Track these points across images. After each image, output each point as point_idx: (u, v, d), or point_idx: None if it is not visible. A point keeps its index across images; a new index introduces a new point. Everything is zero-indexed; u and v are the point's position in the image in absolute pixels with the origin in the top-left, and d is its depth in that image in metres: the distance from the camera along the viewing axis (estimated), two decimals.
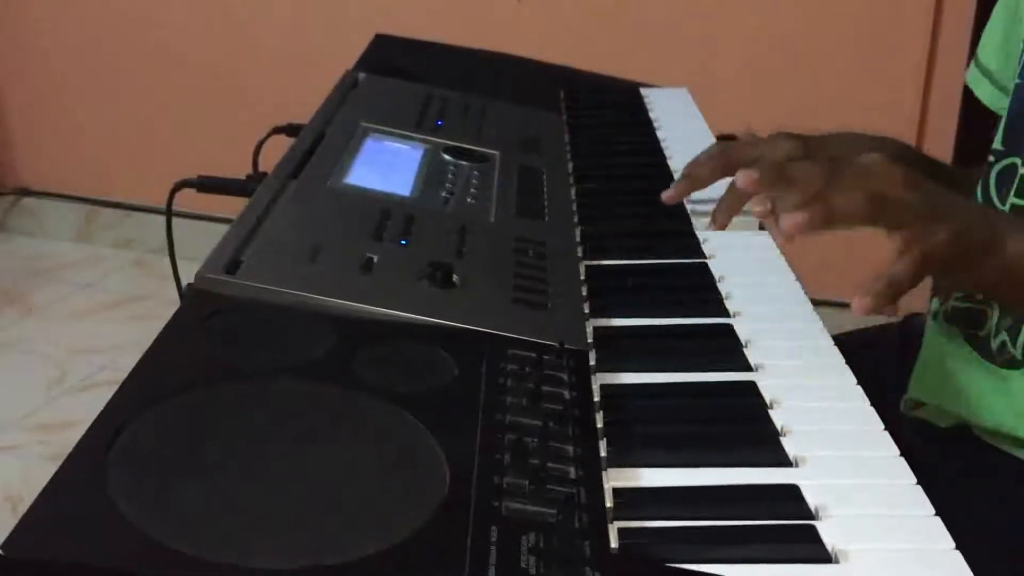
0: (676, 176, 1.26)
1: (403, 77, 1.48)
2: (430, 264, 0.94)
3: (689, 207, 1.18)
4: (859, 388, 0.84)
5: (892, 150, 1.23)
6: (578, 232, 1.11)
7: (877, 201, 0.84)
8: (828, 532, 0.68)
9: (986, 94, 1.17)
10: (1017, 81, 1.09)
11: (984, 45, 1.18)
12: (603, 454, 0.75)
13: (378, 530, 0.63)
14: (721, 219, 1.10)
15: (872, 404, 0.82)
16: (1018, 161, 1.06)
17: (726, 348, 0.89)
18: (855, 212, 0.84)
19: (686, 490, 0.72)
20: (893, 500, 0.72)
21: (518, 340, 0.86)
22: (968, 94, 2.43)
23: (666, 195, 1.14)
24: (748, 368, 0.87)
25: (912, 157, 1.25)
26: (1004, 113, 1.09)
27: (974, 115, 2.34)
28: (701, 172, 1.13)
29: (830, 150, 1.20)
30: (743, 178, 0.88)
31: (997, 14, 1.17)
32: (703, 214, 1.15)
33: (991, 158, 1.09)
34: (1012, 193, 1.04)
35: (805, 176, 0.87)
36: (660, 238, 1.12)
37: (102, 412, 0.70)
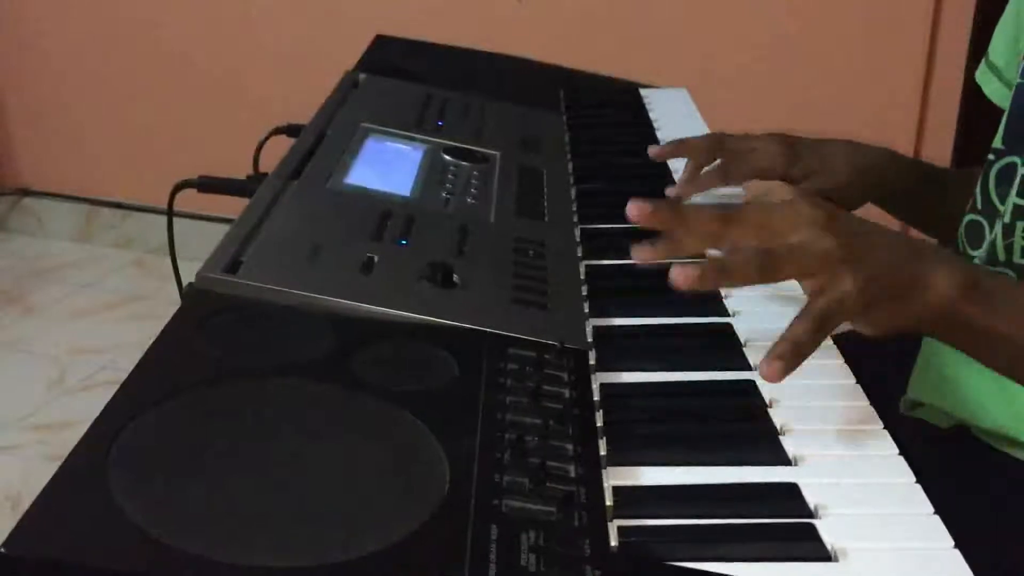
0: (676, 176, 1.27)
1: (403, 77, 1.48)
2: (430, 264, 0.94)
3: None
4: (859, 387, 0.85)
5: (881, 159, 1.23)
6: (578, 232, 1.11)
7: (770, 256, 0.78)
8: (827, 531, 0.68)
9: (994, 92, 1.17)
10: (1019, 80, 1.10)
11: (995, 42, 1.18)
12: (603, 453, 0.75)
13: (379, 529, 0.63)
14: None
15: (871, 404, 0.82)
16: (1018, 160, 1.06)
17: (725, 347, 0.90)
18: (749, 274, 0.78)
19: (686, 489, 0.72)
20: (892, 499, 0.72)
21: (518, 339, 0.86)
22: (968, 94, 2.44)
23: (652, 150, 1.24)
24: (747, 367, 0.87)
25: (903, 166, 1.26)
26: None
27: (974, 115, 2.35)
28: (693, 143, 1.22)
29: (818, 155, 1.21)
30: (633, 205, 0.81)
31: (1008, 11, 1.17)
32: None
33: (991, 156, 1.09)
34: (1014, 192, 1.04)
35: (698, 217, 0.81)
36: (659, 238, 1.12)
37: (103, 411, 0.70)
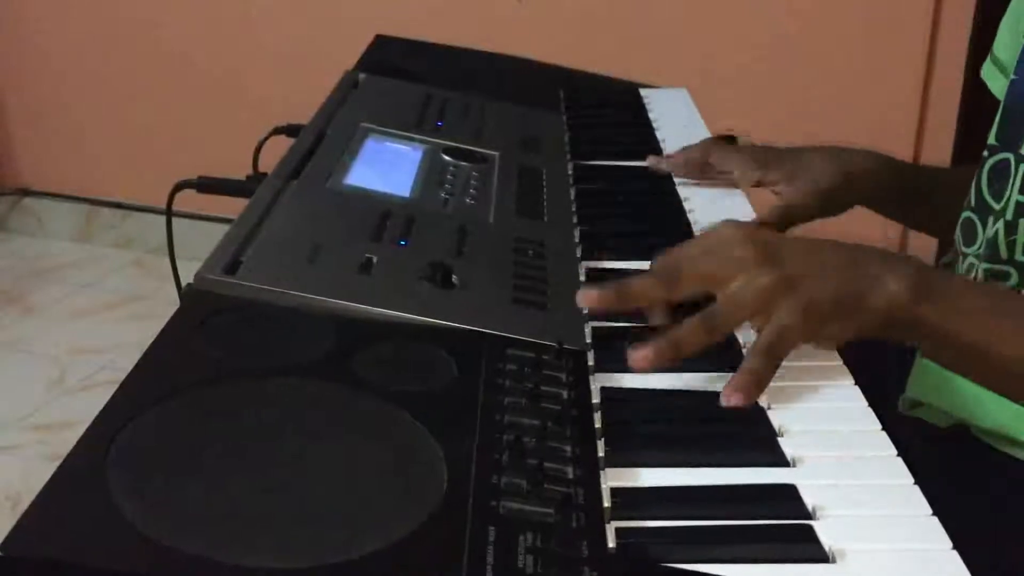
0: (674, 177, 1.27)
1: (403, 77, 1.48)
2: (429, 264, 0.94)
3: (688, 207, 1.19)
4: (857, 388, 0.85)
5: (865, 162, 1.24)
6: (577, 232, 1.11)
7: (711, 317, 0.83)
8: (825, 532, 0.68)
9: (1000, 88, 1.17)
10: (1013, 76, 1.10)
11: (999, 38, 1.18)
12: (601, 454, 0.75)
13: (377, 529, 0.63)
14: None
15: (870, 404, 0.82)
16: (1011, 157, 1.06)
17: (724, 348, 0.89)
18: (696, 339, 0.83)
19: (684, 490, 0.72)
20: (891, 500, 0.72)
21: (517, 340, 0.86)
22: (968, 94, 2.44)
23: (650, 159, 1.29)
24: None
25: (889, 168, 1.26)
26: None
27: (974, 115, 2.35)
28: (691, 155, 1.26)
29: (798, 161, 1.22)
30: (582, 299, 0.88)
31: (1012, 6, 1.17)
32: (703, 215, 1.16)
33: (985, 153, 1.10)
34: (1016, 189, 1.04)
35: (642, 289, 0.86)
36: (659, 239, 1.12)
37: (102, 411, 0.70)
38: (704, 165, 1.26)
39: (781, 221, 1.17)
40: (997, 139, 1.09)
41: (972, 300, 0.88)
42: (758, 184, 1.24)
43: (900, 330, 0.87)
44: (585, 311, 0.95)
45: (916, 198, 1.28)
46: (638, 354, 0.83)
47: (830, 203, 1.22)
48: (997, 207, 1.07)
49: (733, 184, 1.26)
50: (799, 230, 1.19)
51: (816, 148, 1.25)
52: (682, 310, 0.87)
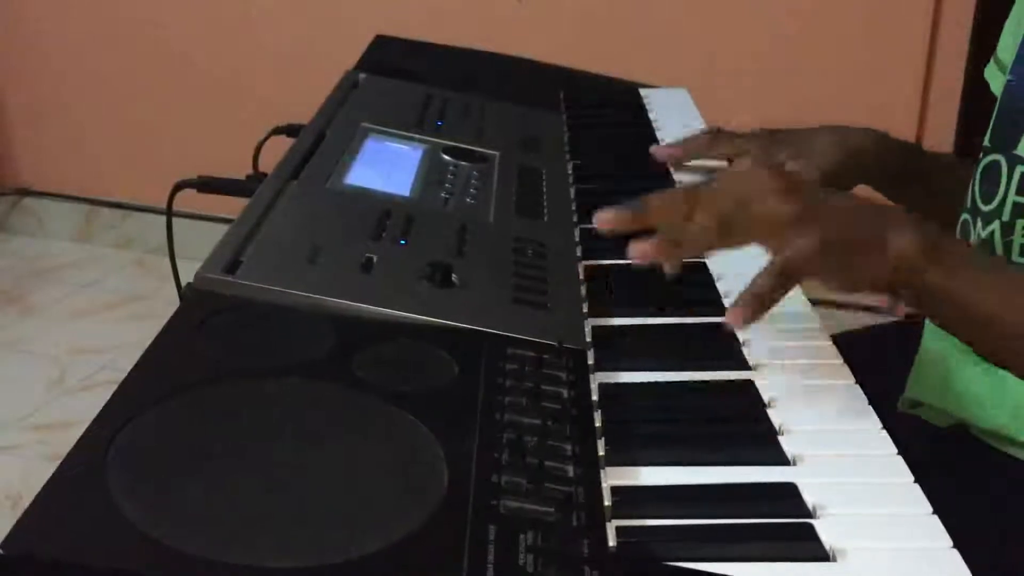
0: (675, 177, 1.27)
1: (403, 78, 1.48)
2: (430, 264, 0.94)
3: None
4: (857, 388, 0.85)
5: (867, 141, 1.24)
6: (577, 232, 1.11)
7: (726, 223, 0.83)
8: (826, 530, 0.68)
9: (999, 88, 1.17)
10: (1009, 77, 1.10)
11: (1002, 39, 1.19)
12: (601, 453, 0.75)
13: (378, 528, 0.63)
14: None
15: (870, 403, 0.82)
16: (1001, 159, 1.06)
17: (724, 347, 0.89)
18: (703, 241, 0.83)
19: (684, 488, 0.73)
20: (891, 499, 0.72)
21: (517, 339, 0.86)
22: (968, 94, 2.43)
23: (655, 148, 1.29)
24: (746, 367, 0.87)
25: (893, 147, 1.26)
26: None
27: (974, 114, 2.35)
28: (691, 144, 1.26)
29: (802, 140, 1.22)
30: (599, 221, 0.86)
31: (1016, 7, 1.17)
32: None
33: (980, 154, 1.10)
34: (1013, 190, 1.04)
35: (662, 204, 0.85)
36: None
37: (102, 411, 0.70)
38: (705, 151, 1.27)
39: None
40: (990, 140, 1.09)
41: (981, 268, 0.89)
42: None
43: (906, 288, 0.87)
44: (585, 309, 0.95)
45: (916, 178, 1.28)
46: (637, 245, 0.81)
47: (834, 183, 1.22)
48: (985, 209, 1.07)
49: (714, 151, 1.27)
50: None
51: (819, 128, 1.25)
52: None
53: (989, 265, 0.92)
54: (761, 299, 0.81)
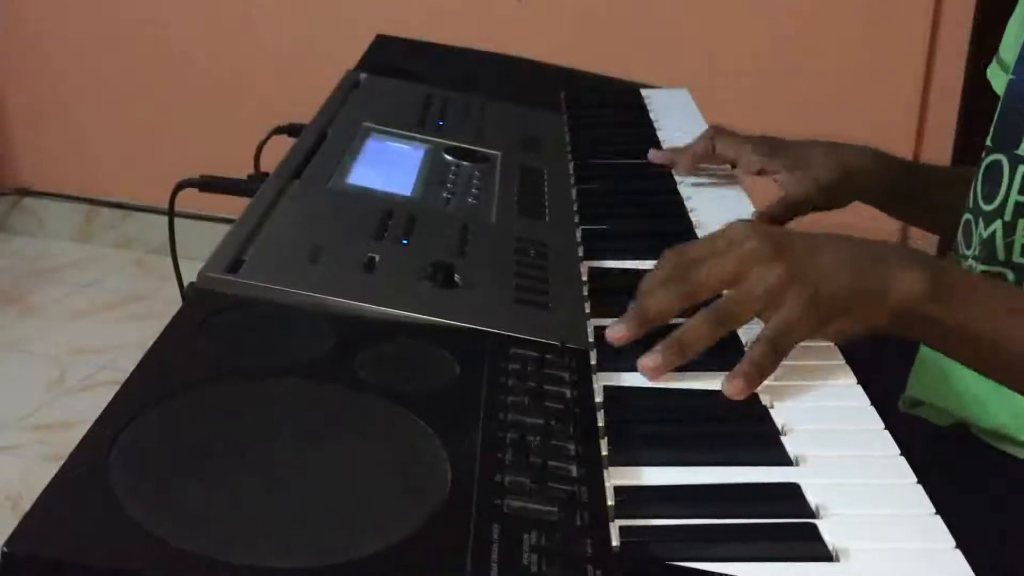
0: (676, 176, 1.28)
1: (404, 77, 1.48)
2: (432, 264, 0.94)
3: (690, 207, 1.19)
4: (859, 387, 0.85)
5: (865, 160, 1.24)
6: (579, 232, 1.11)
7: (719, 313, 0.83)
8: (829, 530, 0.68)
9: (1002, 87, 1.17)
10: (1011, 77, 1.10)
11: (1005, 38, 1.19)
12: (604, 452, 0.75)
13: (380, 528, 0.63)
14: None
15: (871, 402, 0.82)
16: (1003, 158, 1.07)
17: (726, 347, 0.89)
18: (702, 339, 0.83)
19: (687, 488, 0.72)
20: (893, 499, 0.72)
21: (520, 339, 0.86)
22: (968, 94, 2.43)
23: (652, 153, 1.30)
24: None
25: (888, 165, 1.26)
26: None
27: (974, 115, 2.35)
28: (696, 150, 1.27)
29: (799, 154, 1.23)
30: (612, 339, 0.87)
31: (1020, 6, 1.17)
32: (703, 214, 1.16)
33: (983, 155, 1.10)
34: (1016, 190, 1.05)
35: (659, 308, 0.86)
36: (660, 238, 1.12)
37: (105, 410, 0.70)
38: (708, 156, 1.27)
39: (782, 214, 1.18)
40: (992, 140, 1.09)
41: (985, 299, 0.88)
42: (760, 172, 1.25)
43: (910, 327, 0.87)
44: (587, 309, 0.95)
45: (913, 196, 1.29)
46: (647, 363, 0.83)
47: (830, 197, 1.22)
48: (988, 208, 1.07)
49: (734, 173, 1.27)
50: (800, 222, 1.20)
51: (816, 142, 1.26)
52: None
53: (994, 294, 0.91)
54: (760, 369, 0.81)
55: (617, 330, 0.86)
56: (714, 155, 1.27)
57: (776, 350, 0.82)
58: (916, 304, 0.84)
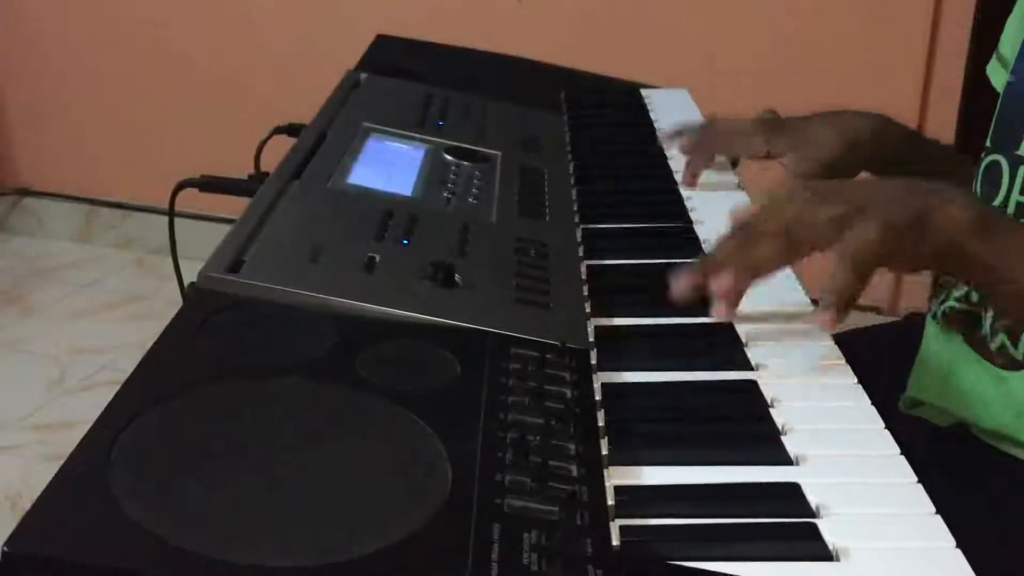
0: (676, 176, 1.27)
1: (404, 77, 1.48)
2: (432, 264, 0.94)
3: (690, 206, 1.19)
4: (859, 387, 0.85)
5: (865, 128, 1.24)
6: (579, 232, 1.11)
7: (788, 237, 0.86)
8: (829, 530, 0.68)
9: (1001, 84, 1.17)
10: (1010, 79, 1.10)
11: (1004, 35, 1.19)
12: (605, 452, 0.75)
13: (381, 528, 0.63)
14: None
15: (872, 402, 0.82)
16: (1001, 159, 1.06)
17: (727, 347, 0.90)
18: (773, 256, 0.86)
19: (687, 488, 0.72)
20: (894, 498, 0.72)
21: (520, 339, 0.86)
22: (968, 94, 2.43)
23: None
24: (749, 367, 0.87)
25: (897, 133, 1.26)
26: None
27: (975, 114, 2.35)
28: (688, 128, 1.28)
29: (802, 130, 1.22)
30: (676, 291, 0.89)
31: (1019, 6, 1.17)
32: (703, 214, 1.16)
33: (982, 155, 1.10)
34: (1017, 190, 1.05)
35: (725, 246, 0.88)
36: (660, 238, 1.13)
37: (105, 410, 0.70)
38: (707, 163, 1.26)
39: None
40: (991, 141, 1.09)
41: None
42: (767, 156, 1.24)
43: (955, 262, 0.88)
44: (588, 309, 0.95)
45: (917, 162, 1.28)
46: (722, 283, 0.85)
47: (836, 172, 1.22)
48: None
49: (736, 160, 1.27)
50: None
51: (819, 116, 1.24)
52: None
53: None
54: (844, 296, 0.82)
55: (681, 279, 0.88)
56: (712, 161, 1.26)
57: (857, 271, 0.83)
58: (961, 232, 0.86)
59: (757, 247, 0.86)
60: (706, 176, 1.27)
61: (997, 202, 1.06)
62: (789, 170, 1.21)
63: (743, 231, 0.88)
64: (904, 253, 0.86)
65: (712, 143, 1.27)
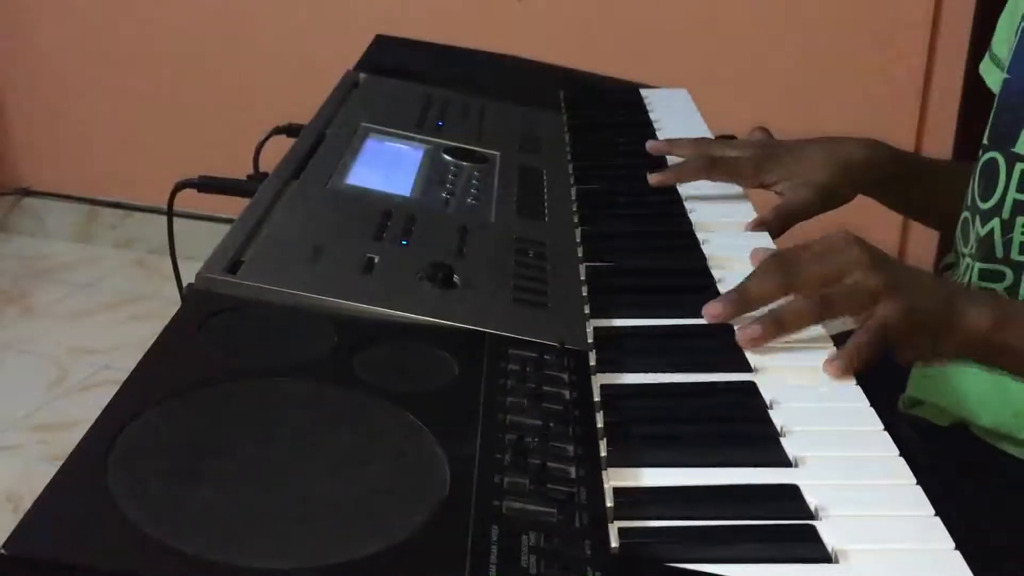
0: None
1: (404, 77, 1.48)
2: (431, 264, 0.94)
3: (689, 207, 1.19)
4: (858, 388, 0.85)
5: (858, 152, 1.24)
6: (578, 232, 1.11)
7: (824, 300, 0.89)
8: (828, 532, 0.68)
9: (996, 83, 1.17)
10: (1006, 76, 1.10)
11: (997, 33, 1.19)
12: (603, 454, 0.75)
13: (379, 529, 0.63)
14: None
15: (870, 402, 0.82)
16: (998, 156, 1.07)
17: (726, 348, 0.89)
18: (805, 316, 0.89)
19: (686, 490, 0.72)
20: (893, 500, 0.72)
21: (519, 340, 0.86)
22: (968, 93, 2.43)
23: (650, 144, 1.31)
24: (748, 368, 0.87)
25: (889, 156, 1.26)
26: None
27: (974, 114, 2.35)
28: (683, 142, 1.29)
29: (795, 158, 1.22)
30: (709, 316, 0.92)
31: (1011, 2, 1.17)
32: (703, 215, 1.16)
33: (979, 152, 1.10)
34: (1014, 187, 1.05)
35: (761, 290, 0.92)
36: (660, 238, 1.13)
37: (104, 411, 0.70)
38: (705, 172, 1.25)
39: (782, 221, 1.17)
40: (988, 138, 1.09)
41: None
42: (760, 186, 1.24)
43: (981, 356, 0.95)
44: (587, 310, 0.95)
45: (914, 185, 1.28)
46: (746, 335, 0.88)
47: (830, 198, 1.22)
48: (984, 207, 1.07)
49: (711, 178, 1.27)
50: (801, 227, 1.19)
51: (812, 142, 1.25)
52: None
53: None
54: (859, 355, 0.86)
55: (715, 307, 0.92)
56: (709, 176, 1.25)
57: (878, 341, 0.87)
58: (985, 333, 0.91)
59: (792, 304, 0.90)
60: None
61: (994, 199, 1.06)
62: (783, 198, 1.21)
63: (784, 273, 0.91)
64: (917, 341, 0.90)
65: (704, 172, 1.24)
